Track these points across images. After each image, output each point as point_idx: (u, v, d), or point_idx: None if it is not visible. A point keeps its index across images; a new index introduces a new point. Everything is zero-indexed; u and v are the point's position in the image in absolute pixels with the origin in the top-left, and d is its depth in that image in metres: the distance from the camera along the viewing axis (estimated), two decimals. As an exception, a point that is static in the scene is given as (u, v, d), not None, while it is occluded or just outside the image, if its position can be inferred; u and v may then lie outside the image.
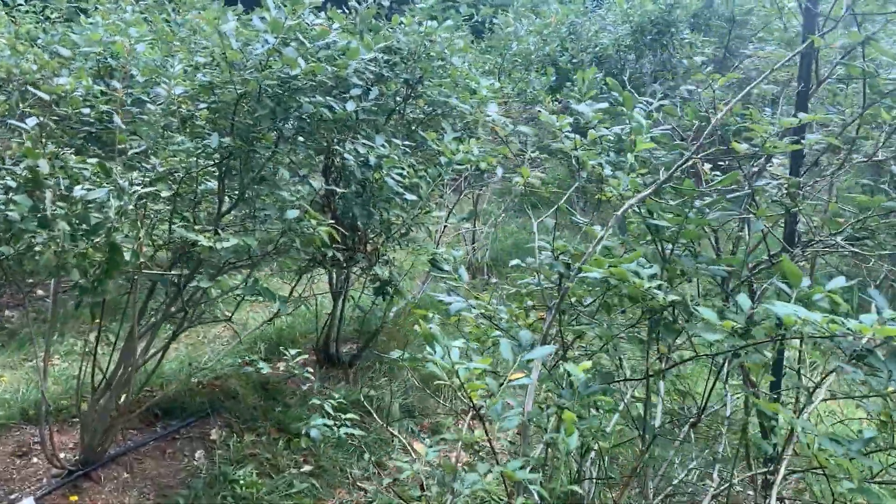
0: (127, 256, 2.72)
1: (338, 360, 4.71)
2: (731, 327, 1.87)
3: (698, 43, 7.57)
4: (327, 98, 3.57)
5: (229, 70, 3.26)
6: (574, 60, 7.06)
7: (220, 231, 3.48)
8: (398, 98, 4.36)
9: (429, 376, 4.52)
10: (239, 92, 3.31)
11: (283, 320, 5.10)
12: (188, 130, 3.56)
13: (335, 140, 3.73)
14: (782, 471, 2.11)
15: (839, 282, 1.85)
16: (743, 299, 1.97)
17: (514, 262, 2.67)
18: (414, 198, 3.74)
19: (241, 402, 4.14)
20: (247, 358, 4.70)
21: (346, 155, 3.61)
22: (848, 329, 1.61)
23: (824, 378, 2.23)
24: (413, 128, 4.54)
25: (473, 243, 5.89)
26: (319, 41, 3.73)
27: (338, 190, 3.66)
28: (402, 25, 4.88)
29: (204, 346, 5.02)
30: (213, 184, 3.49)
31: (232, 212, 3.63)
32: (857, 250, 2.51)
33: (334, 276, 4.59)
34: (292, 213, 3.22)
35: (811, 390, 2.32)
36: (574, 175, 2.51)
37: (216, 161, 3.47)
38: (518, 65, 6.16)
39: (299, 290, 4.09)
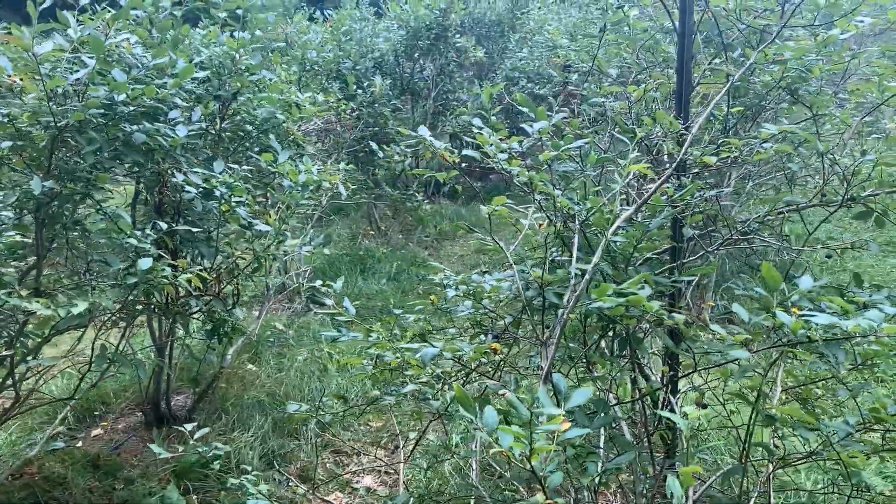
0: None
1: (171, 417, 4.15)
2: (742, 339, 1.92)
3: (471, 47, 7.84)
4: (155, 124, 3.10)
5: (46, 100, 2.68)
6: (357, 67, 6.93)
7: (41, 292, 2.88)
8: (215, 117, 3.94)
9: (285, 419, 4.17)
10: (59, 125, 2.73)
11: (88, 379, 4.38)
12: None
13: (168, 171, 3.25)
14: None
15: (807, 282, 1.96)
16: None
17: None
18: (267, 228, 3.38)
19: (72, 488, 3.47)
20: (52, 429, 3.98)
21: (187, 187, 3.16)
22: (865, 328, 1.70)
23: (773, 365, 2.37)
24: (232, 148, 4.14)
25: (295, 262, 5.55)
26: (129, 59, 3.22)
27: (180, 228, 3.19)
28: (200, 37, 4.44)
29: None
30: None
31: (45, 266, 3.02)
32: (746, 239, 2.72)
33: (158, 321, 4.03)
34: (145, 263, 2.73)
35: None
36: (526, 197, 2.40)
37: (30, 209, 2.85)
38: (318, 74, 5.89)
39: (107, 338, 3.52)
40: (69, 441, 3.99)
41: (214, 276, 3.25)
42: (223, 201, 3.25)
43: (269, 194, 3.71)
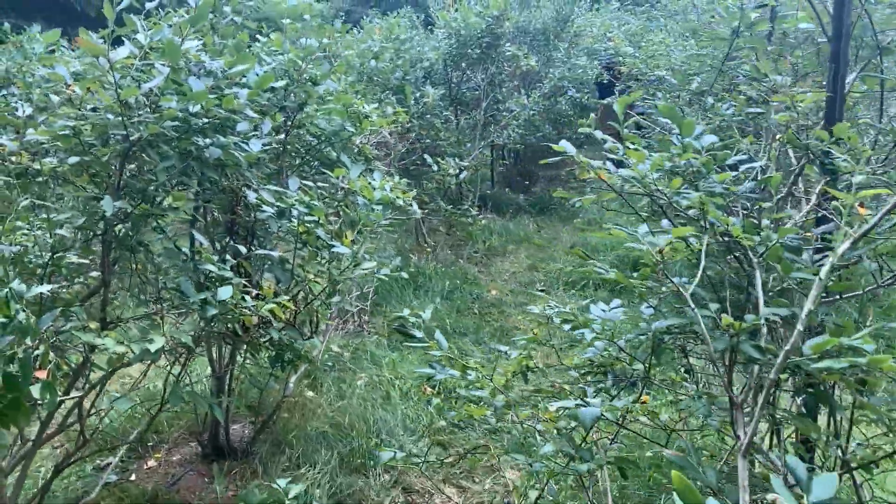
0: (35, 393, 1.83)
1: (230, 449, 3.87)
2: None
3: (522, 56, 7.56)
4: (228, 137, 2.84)
5: (119, 111, 2.42)
6: (407, 77, 6.67)
7: (107, 323, 2.62)
8: (279, 130, 3.68)
9: (350, 453, 3.89)
10: (132, 139, 2.47)
11: (138, 406, 4.11)
12: (39, 190, 2.64)
13: (241, 188, 2.98)
14: None
15: None
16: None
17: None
18: (346, 250, 3.11)
19: (130, 533, 3.21)
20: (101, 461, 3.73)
21: (263, 207, 2.89)
22: None
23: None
24: (296, 163, 3.88)
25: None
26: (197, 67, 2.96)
27: (260, 252, 2.92)
28: (264, 44, 4.20)
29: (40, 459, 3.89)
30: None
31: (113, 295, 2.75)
32: None
33: (218, 348, 3.76)
34: (225, 292, 2.46)
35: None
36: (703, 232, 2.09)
37: (97, 231, 2.59)
38: (375, 84, 5.64)
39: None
40: (122, 474, 3.73)
41: (293, 303, 2.97)
42: (300, 222, 2.98)
43: (341, 213, 3.43)
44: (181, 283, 2.52)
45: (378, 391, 4.58)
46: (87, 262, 2.73)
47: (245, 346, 3.32)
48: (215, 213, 3.03)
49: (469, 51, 7.34)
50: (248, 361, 3.79)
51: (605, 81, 9.12)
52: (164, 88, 2.57)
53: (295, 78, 3.72)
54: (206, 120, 2.71)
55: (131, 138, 2.47)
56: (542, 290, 6.44)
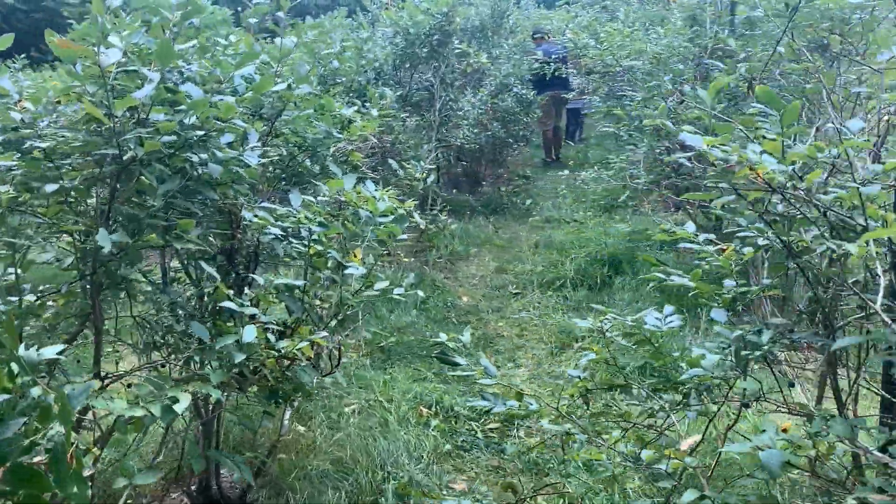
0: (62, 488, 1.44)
1: (224, 500, 3.46)
2: None
3: (473, 53, 7.33)
4: (225, 151, 2.47)
5: (111, 124, 2.02)
6: (359, 78, 6.32)
7: (102, 377, 2.21)
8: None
9: (360, 490, 3.54)
10: (125, 158, 2.08)
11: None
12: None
13: (241, 207, 2.60)
14: None
15: None
16: None
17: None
18: (361, 271, 2.77)
19: None
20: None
21: (269, 228, 2.52)
22: None
23: None
24: (277, 173, 3.51)
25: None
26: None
27: (281, 281, 2.55)
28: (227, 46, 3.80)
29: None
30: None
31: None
32: None
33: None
34: (250, 333, 2.09)
35: None
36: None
37: (84, 271, 2.18)
38: (339, 86, 5.27)
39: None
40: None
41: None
42: (311, 243, 2.63)
43: (343, 228, 3.09)
44: (193, 327, 2.14)
45: (372, 417, 4.24)
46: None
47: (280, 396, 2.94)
48: (210, 238, 2.64)
49: (417, 49, 7.05)
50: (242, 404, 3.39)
51: (548, 76, 9.01)
52: (157, 98, 2.18)
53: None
54: (200, 133, 2.33)
55: (124, 157, 2.08)
56: (516, 293, 6.21)
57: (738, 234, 2.24)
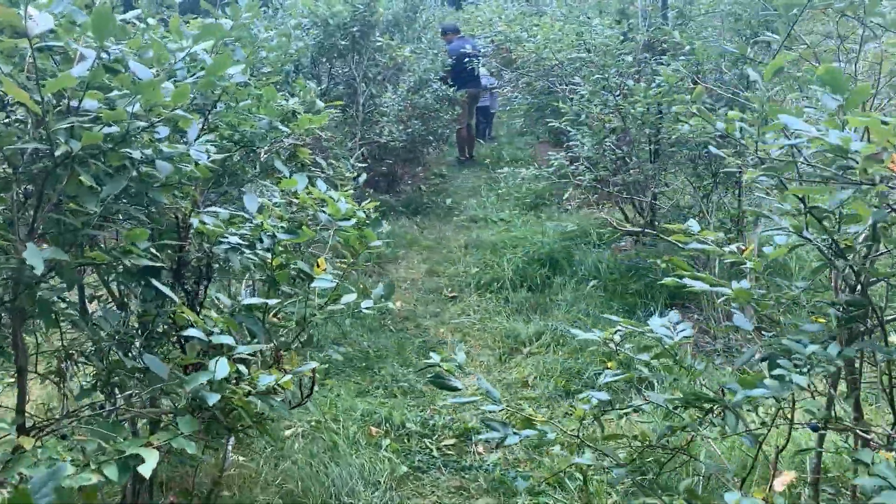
0: None
1: (159, 548, 3.00)
2: None
3: (395, 46, 7.01)
4: (173, 146, 2.07)
5: (39, 112, 1.59)
6: (285, 68, 5.88)
7: (27, 429, 1.78)
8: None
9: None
10: (57, 155, 1.66)
11: None
12: None
13: (189, 213, 2.19)
14: None
15: None
16: None
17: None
18: (331, 283, 2.42)
19: None
20: None
21: (226, 237, 2.13)
22: None
23: None
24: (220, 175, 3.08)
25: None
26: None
27: (256, 301, 2.15)
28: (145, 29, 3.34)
29: None
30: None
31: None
32: None
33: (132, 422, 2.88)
34: (223, 369, 1.71)
35: None
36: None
37: (3, 299, 1.74)
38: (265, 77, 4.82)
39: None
40: None
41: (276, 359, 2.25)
42: (275, 253, 2.25)
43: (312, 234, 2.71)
44: (148, 362, 1.74)
45: (319, 441, 3.85)
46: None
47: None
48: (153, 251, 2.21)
49: (337, 41, 6.65)
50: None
51: (468, 69, 8.78)
52: (93, 79, 1.76)
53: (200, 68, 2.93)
54: (144, 123, 1.92)
55: (56, 153, 1.65)
56: (452, 296, 5.94)
57: (767, 232, 2.04)
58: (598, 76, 4.62)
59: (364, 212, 3.00)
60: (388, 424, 4.12)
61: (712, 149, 2.08)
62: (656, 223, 5.60)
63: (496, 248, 6.58)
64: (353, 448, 3.82)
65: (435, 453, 3.92)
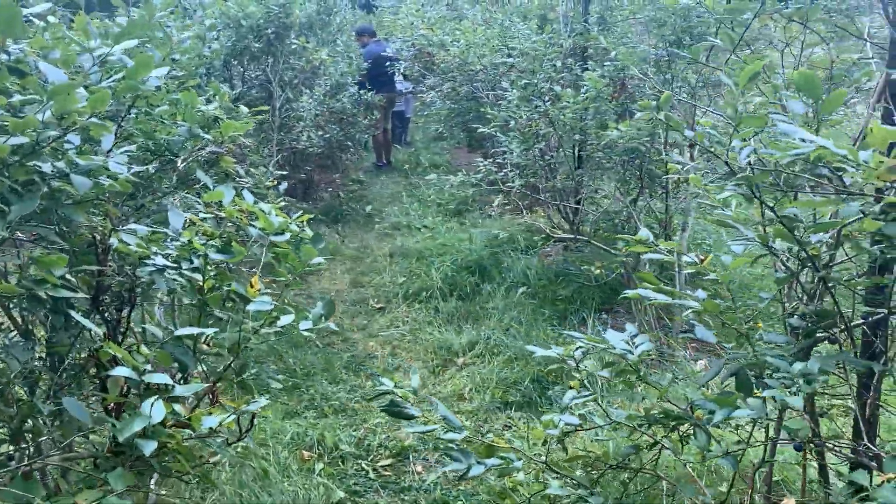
0: None
1: None
2: None
3: (312, 49, 6.79)
4: (90, 158, 1.85)
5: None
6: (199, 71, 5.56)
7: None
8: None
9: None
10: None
11: None
12: None
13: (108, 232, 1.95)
14: None
15: None
16: None
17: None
18: (269, 304, 2.23)
19: None
20: None
21: (154, 259, 1.91)
22: None
23: None
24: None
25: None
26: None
27: (156, 331, 1.93)
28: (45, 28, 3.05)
29: None
30: None
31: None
32: None
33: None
34: (159, 412, 1.50)
35: None
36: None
37: None
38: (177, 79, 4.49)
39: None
40: None
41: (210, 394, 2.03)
42: (207, 276, 2.05)
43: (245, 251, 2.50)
44: (67, 404, 1.51)
45: (248, 469, 3.60)
46: None
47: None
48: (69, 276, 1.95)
49: (251, 43, 6.37)
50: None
51: (386, 73, 8.63)
52: (-5, 81, 1.52)
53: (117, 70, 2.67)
54: (55, 133, 1.69)
55: (-48, 169, 1.41)
56: (380, 307, 5.77)
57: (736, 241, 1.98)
58: (526, 81, 4.56)
59: (297, 224, 2.82)
60: (320, 447, 3.92)
61: (675, 156, 2.01)
62: (582, 228, 5.61)
63: (422, 256, 6.44)
64: (285, 475, 3.60)
65: (371, 475, 3.75)
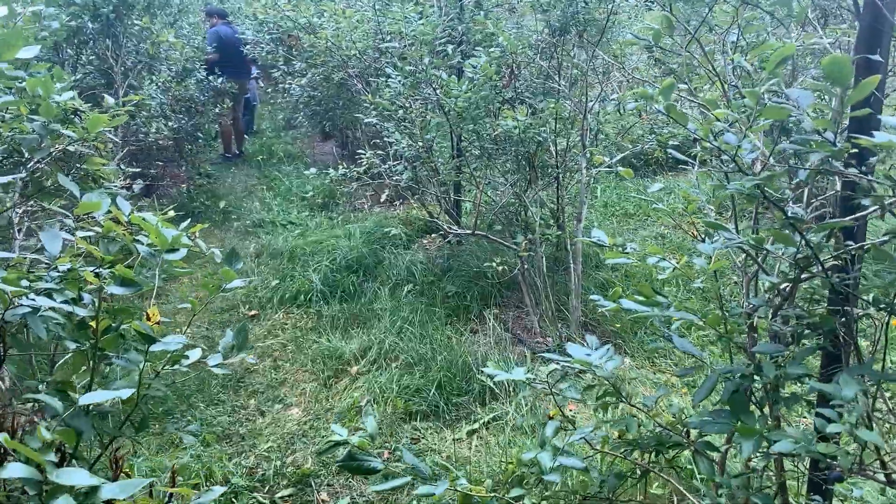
0: None
1: None
2: None
3: (157, 30, 6.10)
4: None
5: None
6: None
7: None
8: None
9: None
10: None
11: None
12: None
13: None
14: None
15: None
16: None
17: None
18: (180, 341, 1.80)
19: None
20: None
21: (32, 297, 1.45)
22: None
23: None
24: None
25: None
26: None
27: (54, 403, 1.46)
28: None
29: None
30: None
31: None
32: None
33: None
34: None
35: None
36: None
37: None
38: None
39: None
40: None
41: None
42: (97, 312, 1.60)
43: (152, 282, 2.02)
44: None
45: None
46: None
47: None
48: None
49: (85, 24, 5.60)
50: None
51: (238, 57, 7.98)
52: None
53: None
54: None
55: None
56: (253, 314, 5.27)
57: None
58: (412, 68, 4.26)
59: (189, 237, 2.38)
60: (208, 483, 3.45)
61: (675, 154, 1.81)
62: (469, 220, 5.41)
63: (294, 255, 5.98)
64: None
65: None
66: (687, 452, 1.72)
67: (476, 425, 3.80)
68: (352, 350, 4.52)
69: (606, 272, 5.06)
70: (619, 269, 5.07)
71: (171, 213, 2.38)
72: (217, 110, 7.78)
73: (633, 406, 1.83)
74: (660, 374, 4.27)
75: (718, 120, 1.52)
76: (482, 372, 4.09)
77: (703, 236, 2.07)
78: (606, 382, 1.85)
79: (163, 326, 2.36)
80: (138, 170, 4.95)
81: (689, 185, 2.21)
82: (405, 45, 4.10)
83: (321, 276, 5.39)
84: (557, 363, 1.86)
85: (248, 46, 7.53)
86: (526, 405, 3.78)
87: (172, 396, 4.19)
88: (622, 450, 1.81)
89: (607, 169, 4.17)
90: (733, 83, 2.26)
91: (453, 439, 3.71)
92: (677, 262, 1.94)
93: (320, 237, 6.25)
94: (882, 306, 1.66)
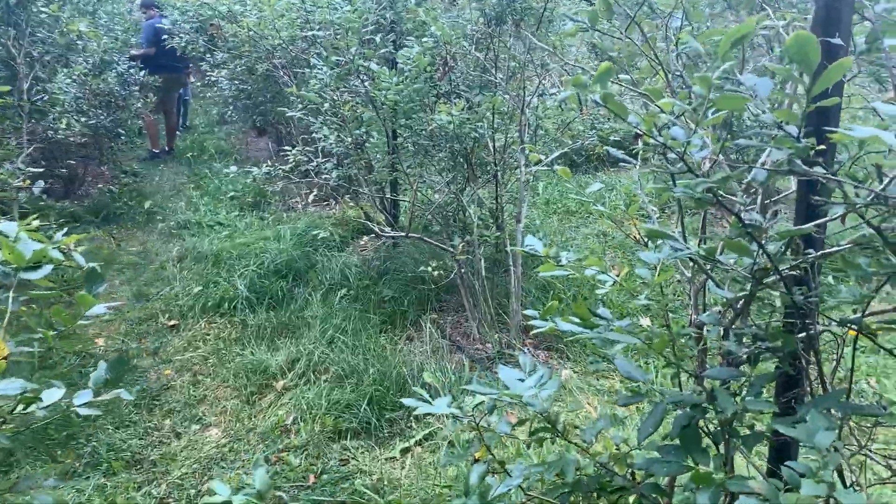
0: None
1: None
2: None
3: (66, 18, 5.65)
4: None
5: None
6: None
7: None
8: None
9: None
10: None
11: None
12: None
13: None
14: None
15: None
16: None
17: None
18: (17, 386, 1.49)
19: None
20: None
21: None
22: None
23: None
24: None
25: None
26: None
27: None
28: None
29: None
30: None
31: None
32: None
33: None
34: None
35: None
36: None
37: None
38: None
39: None
40: None
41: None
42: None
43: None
44: None
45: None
46: None
47: None
48: None
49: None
50: None
51: (169, 50, 7.55)
52: None
53: None
54: None
55: None
56: (173, 325, 4.90)
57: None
58: (338, 58, 3.96)
59: (61, 250, 2.06)
60: (118, 514, 3.11)
61: (614, 151, 1.56)
62: (404, 221, 5.14)
63: (220, 259, 5.61)
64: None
65: None
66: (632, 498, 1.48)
67: (410, 442, 3.53)
68: (278, 363, 4.20)
69: (546, 278, 4.86)
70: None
71: (36, 223, 2.05)
72: (139, 105, 7.31)
73: (570, 442, 1.58)
74: (604, 381, 4.07)
75: (664, 112, 1.28)
76: (419, 384, 3.83)
77: (645, 240, 1.85)
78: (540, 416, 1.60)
79: (20, 356, 2.04)
80: (41, 169, 4.52)
81: (632, 182, 1.97)
82: (332, 35, 3.79)
83: (247, 282, 5.04)
84: (485, 396, 1.60)
85: (164, 38, 7.10)
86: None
87: (75, 419, 3.80)
88: (558, 493, 1.57)
89: (546, 167, 3.94)
90: (678, 72, 2.04)
91: (385, 458, 3.44)
92: (617, 275, 1.70)
93: (249, 239, 5.90)
94: (849, 325, 1.44)
